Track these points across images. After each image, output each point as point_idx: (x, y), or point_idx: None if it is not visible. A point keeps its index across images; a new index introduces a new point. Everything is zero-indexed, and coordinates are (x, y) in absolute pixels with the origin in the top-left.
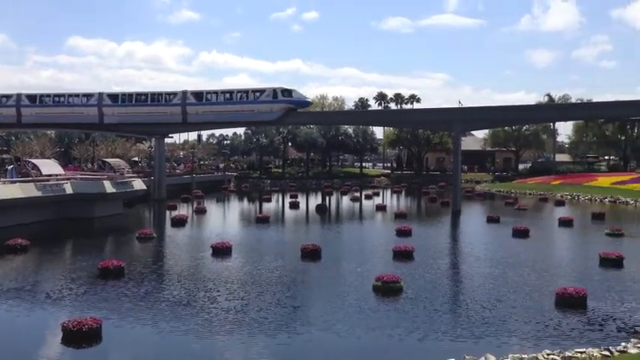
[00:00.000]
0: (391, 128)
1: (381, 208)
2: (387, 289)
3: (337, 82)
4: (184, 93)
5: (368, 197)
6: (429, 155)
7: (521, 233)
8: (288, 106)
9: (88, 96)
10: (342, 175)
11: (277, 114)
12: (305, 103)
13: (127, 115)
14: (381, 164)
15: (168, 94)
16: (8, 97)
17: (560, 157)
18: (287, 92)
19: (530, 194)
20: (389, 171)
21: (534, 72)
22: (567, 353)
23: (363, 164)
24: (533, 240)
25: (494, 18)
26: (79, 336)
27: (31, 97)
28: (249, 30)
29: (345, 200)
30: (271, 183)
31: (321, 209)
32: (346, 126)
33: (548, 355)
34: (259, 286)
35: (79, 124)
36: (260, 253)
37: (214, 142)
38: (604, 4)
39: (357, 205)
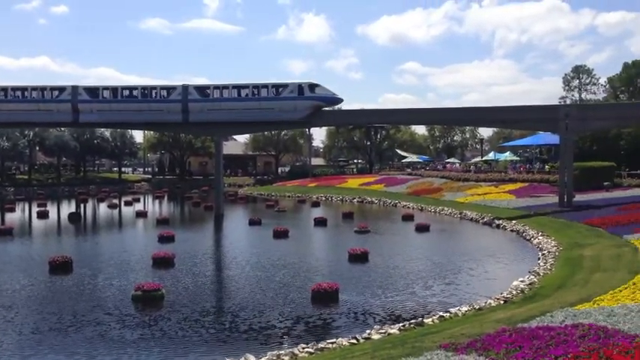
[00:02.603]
0: (152, 132)
1: (141, 214)
2: (148, 297)
3: (92, 83)
4: (185, 88)
5: (128, 203)
6: (192, 159)
7: (281, 234)
8: (316, 103)
9: (59, 90)
10: (98, 180)
11: (303, 113)
12: (336, 99)
13: (111, 113)
14: (142, 169)
15: (165, 88)
16: None
17: (316, 161)
18: (313, 87)
19: (289, 196)
20: (150, 176)
21: (292, 80)
22: (320, 345)
23: (123, 169)
24: (293, 240)
25: (252, 26)
26: None
27: None
28: None
29: (103, 207)
30: (15, 191)
31: (75, 218)
32: (102, 129)
33: (303, 348)
34: None
35: (47, 122)
36: None
37: None
38: (350, 21)
39: (115, 212)
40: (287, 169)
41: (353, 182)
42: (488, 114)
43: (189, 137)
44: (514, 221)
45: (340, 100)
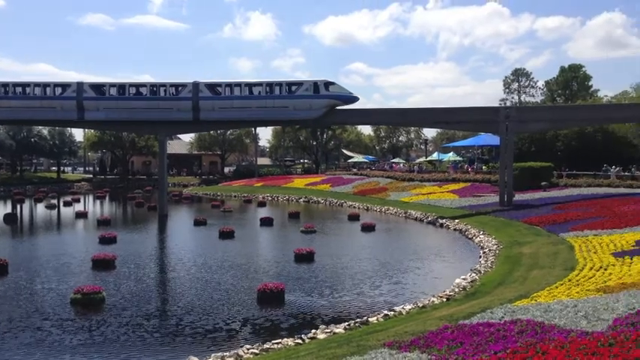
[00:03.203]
0: (92, 130)
1: (82, 215)
2: (88, 300)
3: (30, 79)
4: (196, 85)
5: (67, 204)
6: (135, 159)
7: (227, 234)
8: (333, 102)
9: (63, 86)
10: (36, 180)
11: (318, 112)
12: (351, 98)
13: (119, 111)
14: (83, 168)
15: (175, 85)
16: None
17: (262, 161)
18: (328, 86)
19: (235, 196)
20: (91, 175)
21: (239, 79)
22: (265, 345)
23: (62, 168)
24: (239, 240)
25: (198, 24)
26: None
27: None
28: None
29: (40, 208)
30: None
31: (10, 219)
32: (40, 127)
33: (248, 349)
34: None
35: (51, 120)
36: None
37: None
38: (297, 20)
39: (54, 212)
40: (233, 168)
41: (299, 182)
42: (432, 115)
43: (132, 136)
44: (457, 220)
45: (356, 99)
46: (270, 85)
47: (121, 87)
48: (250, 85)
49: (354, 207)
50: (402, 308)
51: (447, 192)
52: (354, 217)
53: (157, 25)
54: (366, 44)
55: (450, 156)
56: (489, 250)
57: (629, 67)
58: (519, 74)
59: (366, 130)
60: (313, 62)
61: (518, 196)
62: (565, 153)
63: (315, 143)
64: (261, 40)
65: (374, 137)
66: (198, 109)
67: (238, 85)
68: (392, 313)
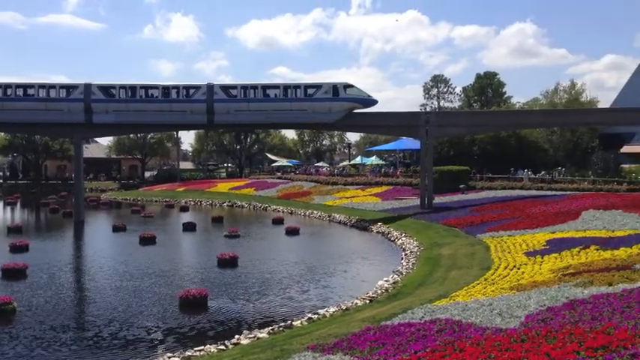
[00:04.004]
0: (2, 133)
1: None
2: None
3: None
4: (210, 87)
5: None
6: (49, 163)
7: (148, 240)
8: (352, 105)
9: (70, 88)
10: None
11: (338, 115)
12: (371, 101)
13: (129, 114)
14: None
15: (188, 87)
16: None
17: (184, 165)
18: (346, 89)
19: (156, 201)
20: (1, 180)
21: (160, 81)
22: (187, 353)
23: None
24: (160, 246)
25: (116, 24)
26: None
27: None
28: None
29: None
30: None
31: None
32: None
33: (169, 358)
34: None
35: (56, 123)
36: None
37: None
38: (220, 23)
39: None
40: (154, 173)
41: (223, 186)
42: (357, 119)
43: (45, 139)
44: (380, 223)
45: (375, 102)
46: (287, 87)
47: (132, 88)
48: (266, 87)
49: (279, 211)
50: (326, 311)
51: (370, 195)
52: (278, 221)
53: (72, 25)
54: (290, 48)
55: (373, 160)
56: (411, 251)
57: (539, 75)
58: (438, 80)
59: (290, 133)
60: (237, 65)
61: (438, 199)
62: (481, 157)
63: (238, 147)
64: (182, 42)
65: (298, 141)
66: (213, 112)
67: (254, 87)
68: (316, 316)
